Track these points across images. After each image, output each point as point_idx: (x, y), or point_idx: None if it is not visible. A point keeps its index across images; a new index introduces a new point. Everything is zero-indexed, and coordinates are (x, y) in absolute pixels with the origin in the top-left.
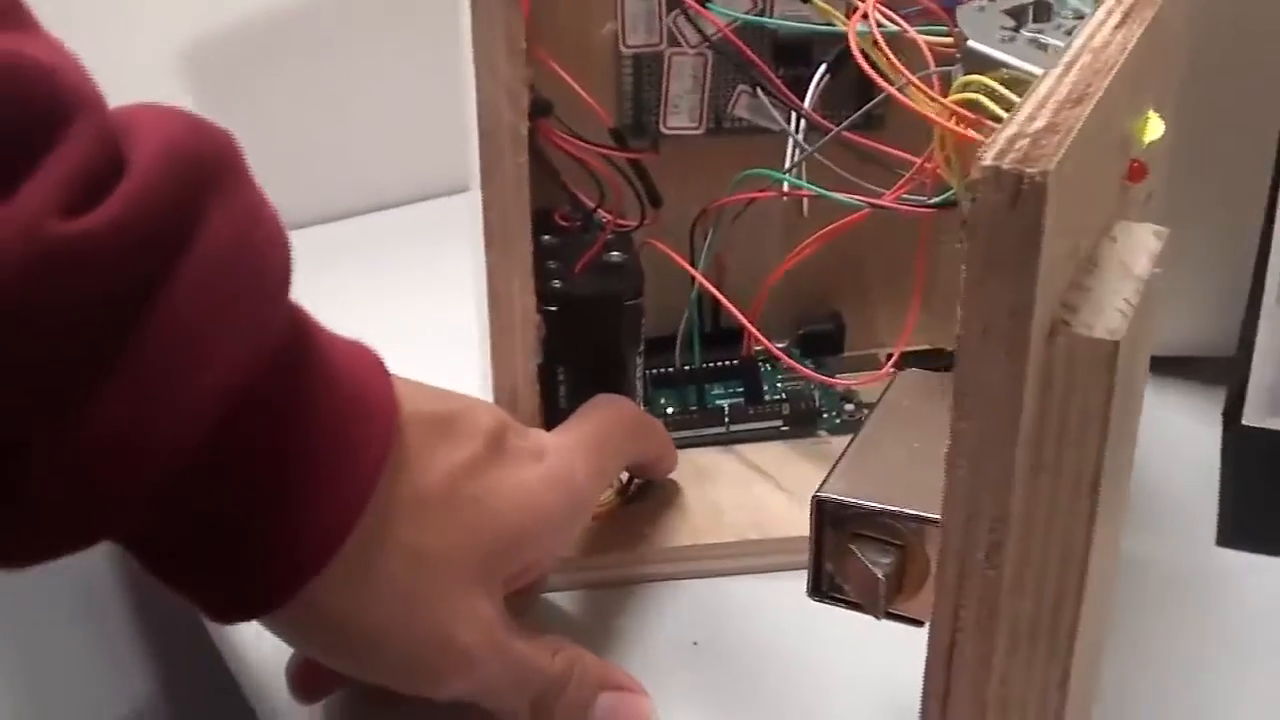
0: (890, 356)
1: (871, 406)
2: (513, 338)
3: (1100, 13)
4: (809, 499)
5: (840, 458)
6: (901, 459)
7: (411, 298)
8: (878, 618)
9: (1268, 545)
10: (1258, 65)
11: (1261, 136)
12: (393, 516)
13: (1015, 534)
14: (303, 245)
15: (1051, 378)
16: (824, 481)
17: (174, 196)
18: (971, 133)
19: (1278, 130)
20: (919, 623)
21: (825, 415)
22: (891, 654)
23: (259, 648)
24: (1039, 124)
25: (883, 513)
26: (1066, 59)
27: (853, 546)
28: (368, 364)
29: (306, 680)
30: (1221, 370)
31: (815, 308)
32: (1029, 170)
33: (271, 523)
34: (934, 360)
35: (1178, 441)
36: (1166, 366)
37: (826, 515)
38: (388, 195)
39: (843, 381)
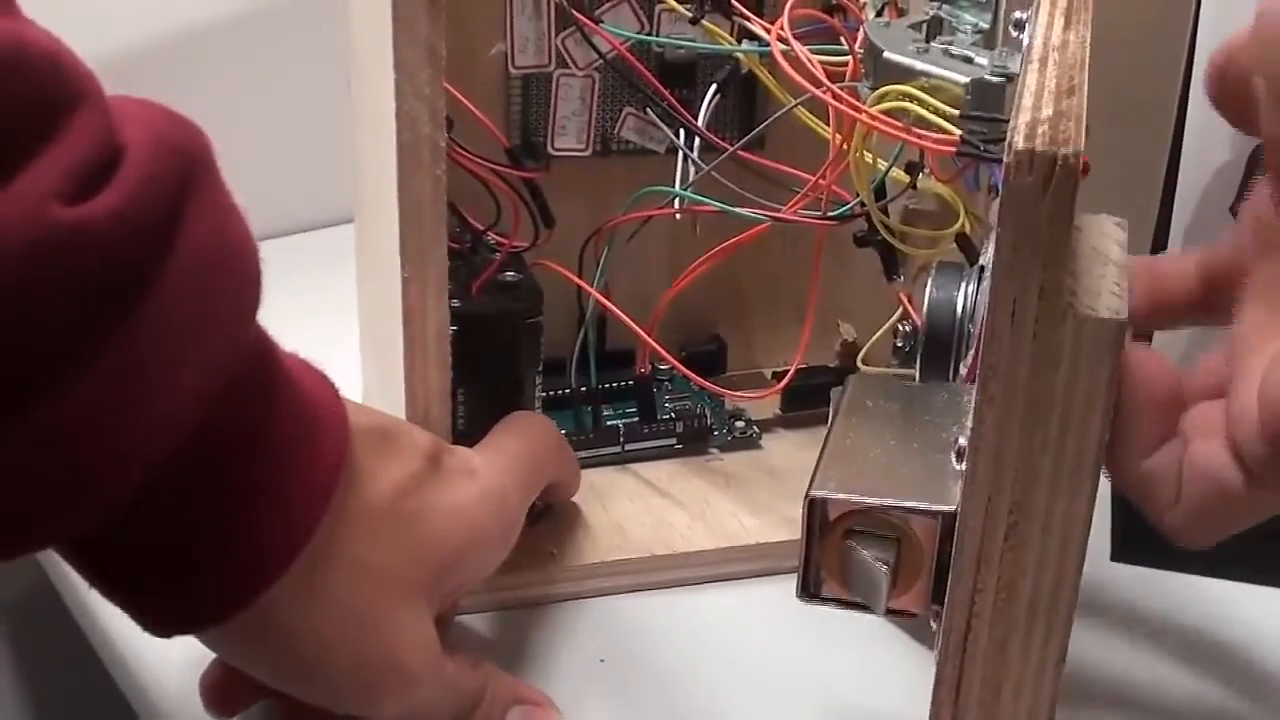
0: (777, 375)
1: (829, 414)
2: (425, 356)
3: (1043, 16)
4: (706, 514)
5: (820, 460)
6: (880, 455)
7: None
8: (879, 614)
9: (1155, 559)
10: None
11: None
12: (343, 529)
13: (1035, 516)
14: None
15: (1060, 360)
16: (811, 482)
17: (165, 189)
18: (903, 135)
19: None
20: (913, 615)
21: (716, 432)
22: (808, 661)
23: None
24: (1047, 111)
25: (879, 507)
26: (1037, 56)
27: (851, 543)
28: (319, 380)
29: (220, 693)
30: None
31: (697, 330)
32: (1064, 151)
33: (232, 528)
34: (819, 376)
35: None
36: None
37: (818, 514)
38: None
39: (740, 394)
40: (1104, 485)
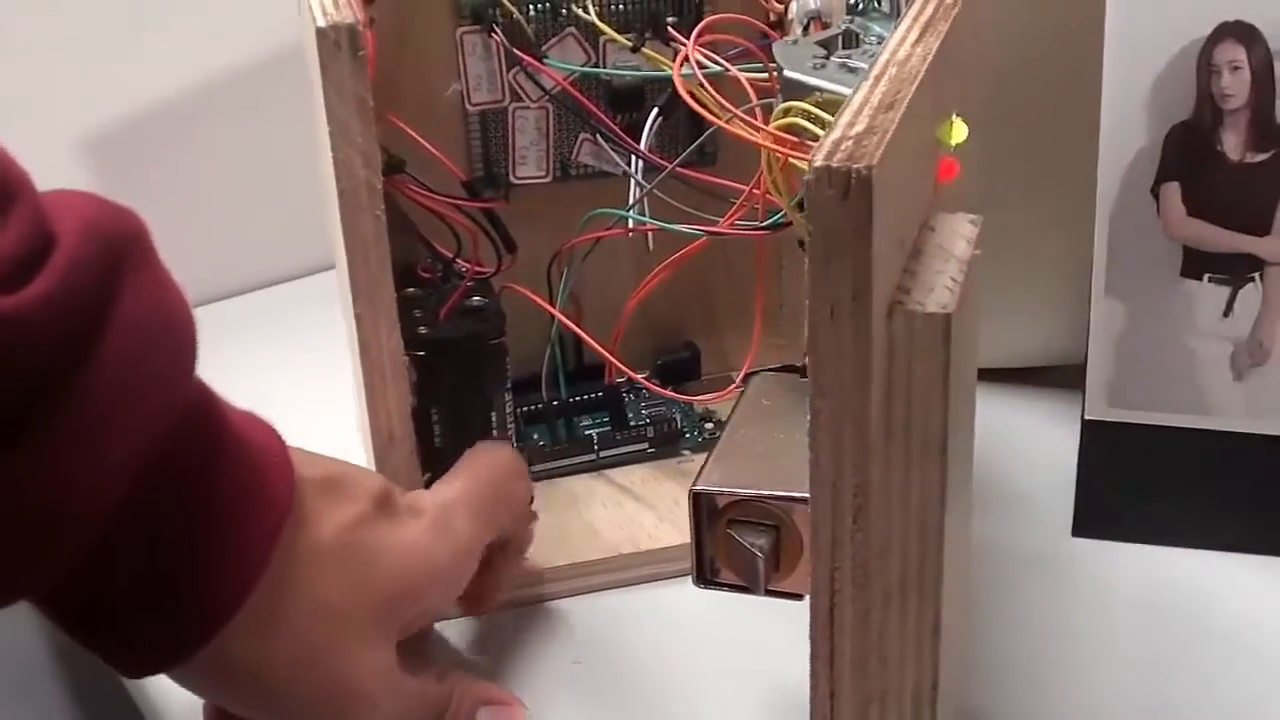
0: (741, 376)
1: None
2: (384, 381)
3: (900, 30)
4: (675, 513)
5: (709, 455)
6: (767, 449)
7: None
8: (759, 594)
9: (1114, 532)
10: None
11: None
12: (292, 570)
13: (877, 498)
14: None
15: (894, 352)
16: (697, 477)
17: (95, 273)
18: (794, 153)
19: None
20: (799, 597)
21: (688, 435)
22: (771, 647)
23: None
24: (859, 128)
25: (754, 497)
26: (875, 72)
27: (730, 532)
28: (264, 431)
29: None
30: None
31: (671, 339)
32: (856, 166)
33: (183, 576)
34: None
35: (1042, 443)
36: (1030, 376)
37: (703, 507)
38: (277, 271)
39: (698, 398)
40: (1062, 460)
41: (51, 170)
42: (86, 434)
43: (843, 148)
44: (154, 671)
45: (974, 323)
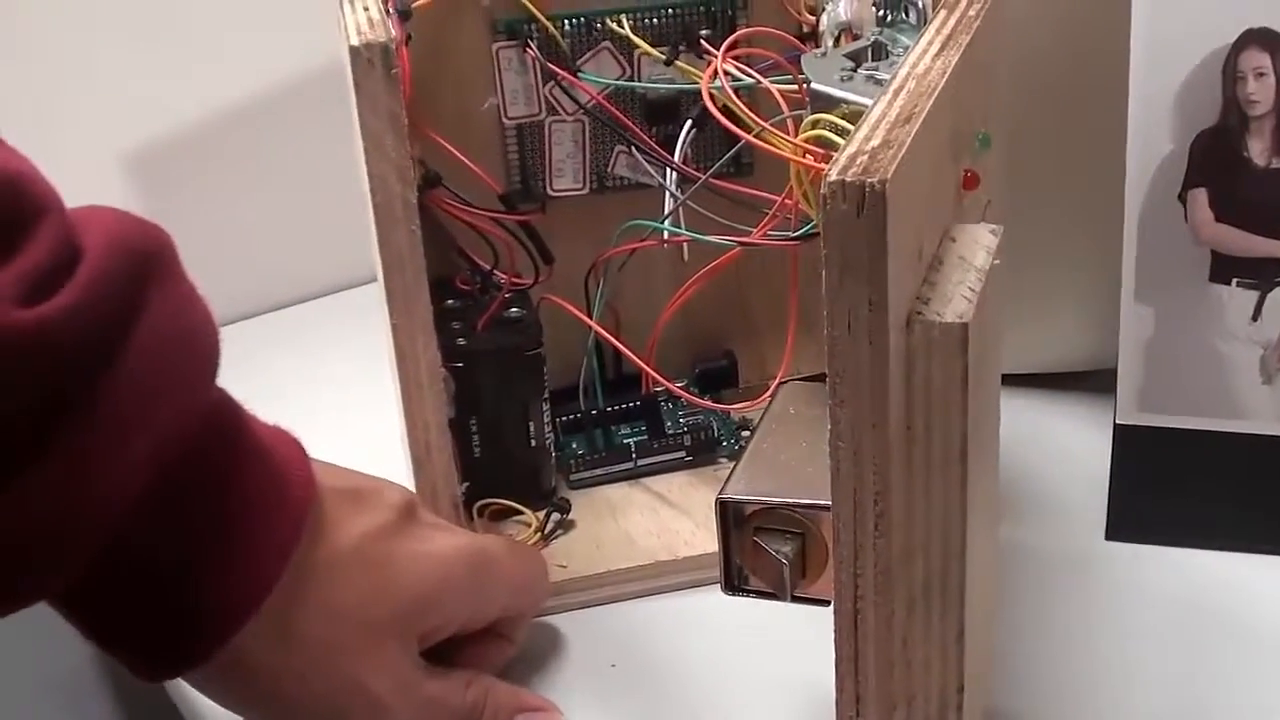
0: (774, 385)
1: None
2: (421, 392)
3: (922, 43)
4: (711, 521)
5: (736, 463)
6: (792, 458)
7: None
8: (786, 601)
9: (1147, 535)
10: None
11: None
12: (309, 575)
13: (899, 504)
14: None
15: (913, 361)
16: (724, 486)
17: (120, 284)
18: (820, 165)
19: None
20: (825, 603)
21: (725, 443)
22: (803, 652)
23: None
24: (875, 142)
25: (779, 505)
26: (894, 85)
27: (757, 539)
28: (287, 441)
29: None
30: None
31: (709, 348)
32: (870, 180)
33: (200, 579)
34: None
35: (1074, 447)
36: (1061, 381)
37: (730, 515)
38: (325, 283)
39: (733, 407)
40: (1095, 464)
41: (97, 186)
42: (107, 432)
43: (858, 162)
44: (171, 675)
45: (995, 331)
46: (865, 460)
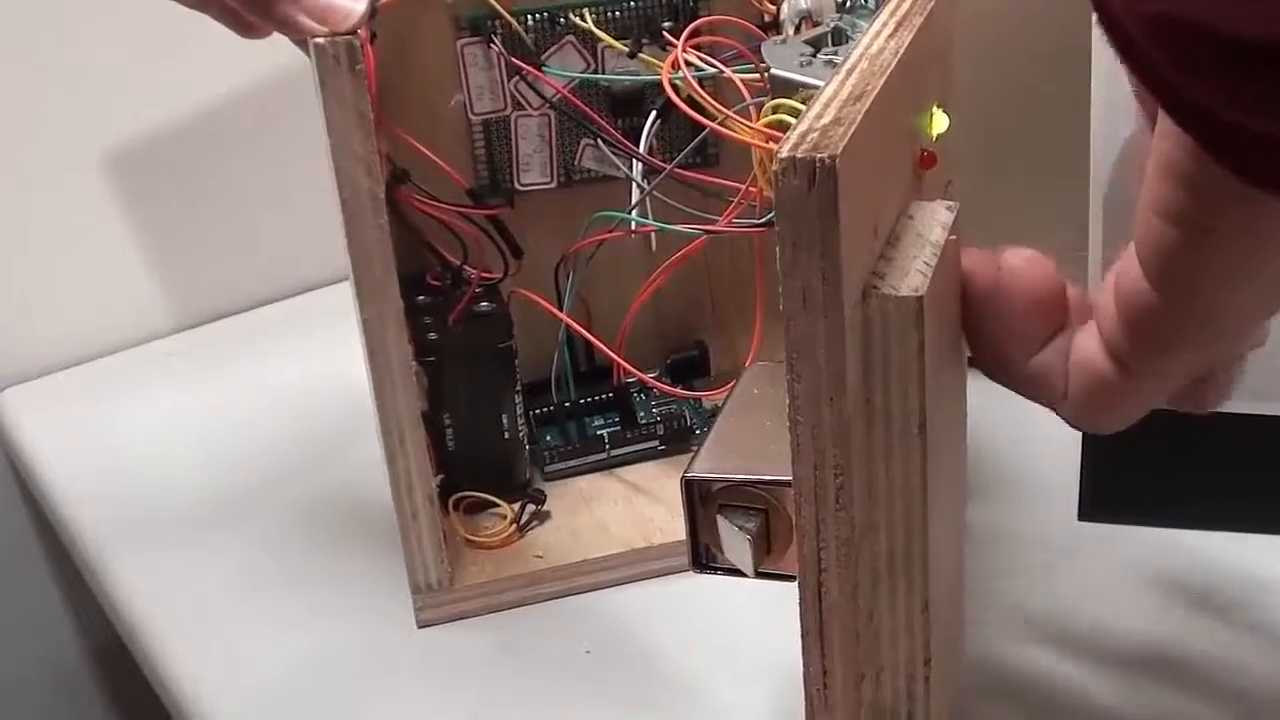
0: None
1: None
2: (393, 385)
3: (876, 24)
4: None
5: (702, 443)
6: (756, 437)
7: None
8: (751, 577)
9: (1119, 515)
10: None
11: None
12: None
13: (859, 477)
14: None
15: (871, 336)
16: (689, 465)
17: None
18: (759, 145)
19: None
20: (791, 578)
21: (697, 431)
22: (780, 633)
23: None
24: (826, 120)
25: (742, 482)
26: (848, 66)
27: (721, 517)
28: None
29: None
30: None
31: (681, 337)
32: (820, 156)
33: None
34: None
35: (1046, 429)
36: None
37: (695, 493)
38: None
39: (705, 394)
40: (1067, 445)
41: (78, 187)
42: None
43: (808, 139)
44: None
45: (954, 305)
46: (824, 434)
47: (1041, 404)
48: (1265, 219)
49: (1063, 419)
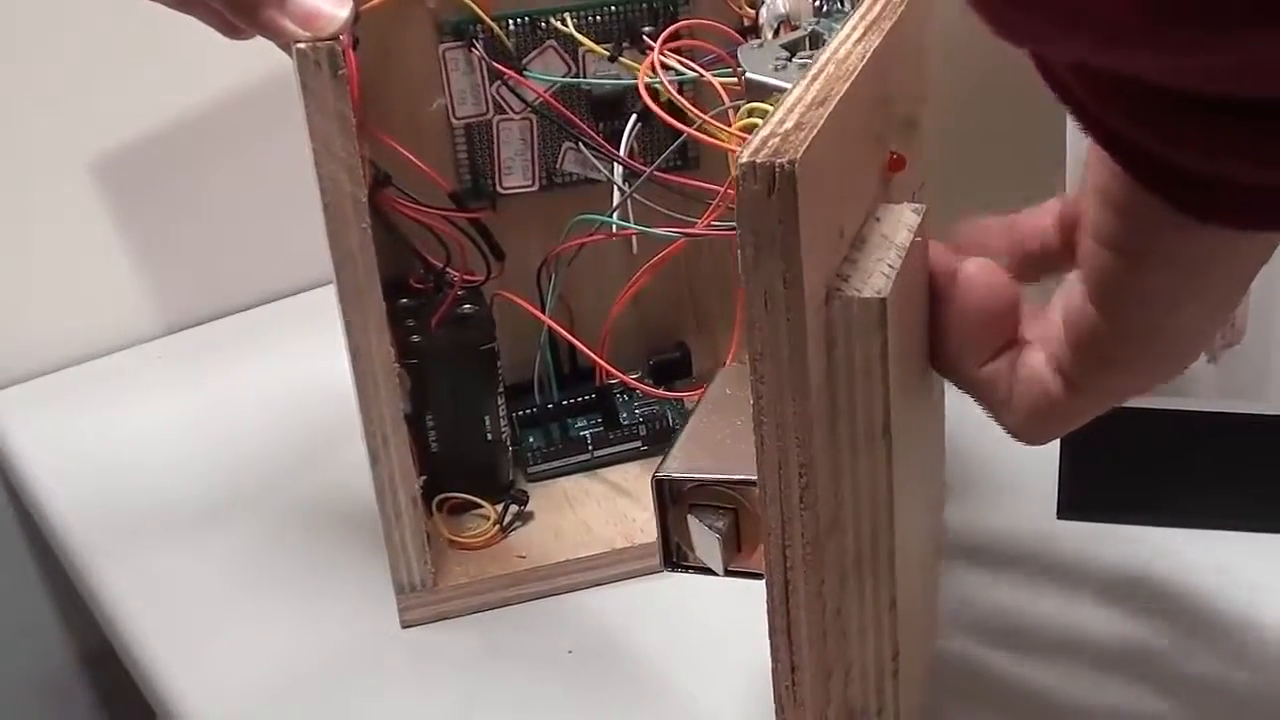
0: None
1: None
2: (376, 387)
3: (845, 29)
4: None
5: (673, 443)
6: (727, 437)
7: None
8: (721, 575)
9: (1096, 514)
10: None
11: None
12: None
13: (824, 476)
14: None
15: (834, 338)
16: (660, 464)
17: None
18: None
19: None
20: (760, 576)
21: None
22: (755, 633)
23: None
24: (788, 125)
25: (711, 481)
26: (814, 70)
27: (691, 516)
28: None
29: None
30: None
31: (662, 339)
32: (780, 161)
33: None
34: None
35: None
36: None
37: (666, 493)
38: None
39: (686, 395)
40: (1045, 447)
41: (77, 191)
42: None
43: (769, 144)
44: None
45: (921, 307)
46: (788, 434)
47: (983, 409)
48: (1196, 244)
49: (1002, 427)
